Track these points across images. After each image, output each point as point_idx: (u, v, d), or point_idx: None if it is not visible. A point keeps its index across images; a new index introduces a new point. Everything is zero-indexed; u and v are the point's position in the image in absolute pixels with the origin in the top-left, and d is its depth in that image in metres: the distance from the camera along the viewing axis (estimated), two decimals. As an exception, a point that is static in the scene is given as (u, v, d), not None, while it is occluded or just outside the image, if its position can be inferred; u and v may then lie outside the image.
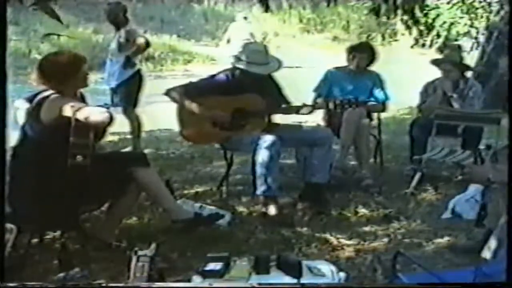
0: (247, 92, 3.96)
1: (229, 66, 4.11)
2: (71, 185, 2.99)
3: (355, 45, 4.94)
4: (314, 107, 4.09)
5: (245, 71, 3.92)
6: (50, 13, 2.83)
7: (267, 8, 4.08)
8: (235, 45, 11.75)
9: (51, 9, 2.85)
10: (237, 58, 3.98)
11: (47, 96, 3.10)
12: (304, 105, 4.05)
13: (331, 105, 3.97)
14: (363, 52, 4.73)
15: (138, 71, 5.57)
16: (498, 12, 8.35)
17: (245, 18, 13.08)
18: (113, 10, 5.61)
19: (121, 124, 5.62)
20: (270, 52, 4.02)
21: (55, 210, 3.03)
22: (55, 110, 3.02)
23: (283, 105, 4.10)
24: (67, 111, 2.97)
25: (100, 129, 3.08)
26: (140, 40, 5.55)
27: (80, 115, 2.93)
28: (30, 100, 3.15)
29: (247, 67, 3.90)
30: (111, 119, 3.01)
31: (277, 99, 4.11)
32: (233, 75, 4.01)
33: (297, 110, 4.02)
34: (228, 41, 12.66)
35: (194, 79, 4.39)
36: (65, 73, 3.12)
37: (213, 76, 4.09)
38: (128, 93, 5.49)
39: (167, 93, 4.04)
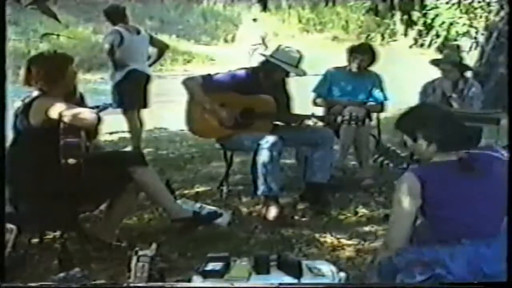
0: (262, 93, 3.97)
1: (229, 66, 4.12)
2: (68, 185, 2.99)
3: (356, 46, 4.92)
4: (322, 119, 4.10)
5: (268, 70, 3.93)
6: (47, 12, 2.83)
7: (265, 8, 4.09)
8: (245, 47, 11.72)
9: (48, 8, 2.85)
10: (271, 56, 3.98)
11: (35, 98, 3.09)
12: (312, 116, 4.06)
13: (338, 119, 3.97)
14: (364, 54, 4.73)
15: (130, 71, 5.45)
16: (498, 12, 8.35)
17: (254, 20, 13.00)
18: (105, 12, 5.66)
19: (121, 124, 5.64)
20: (302, 60, 4.03)
21: (54, 210, 3.03)
22: (42, 112, 3.01)
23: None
24: (53, 113, 2.96)
25: (91, 129, 3.08)
26: (104, 46, 5.56)
27: (67, 117, 2.93)
28: (23, 100, 3.15)
29: (282, 64, 3.90)
30: (98, 119, 3.01)
31: (285, 107, 4.14)
32: (254, 73, 4.02)
33: (304, 119, 4.01)
34: (233, 40, 12.60)
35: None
36: (51, 74, 3.11)
37: (233, 72, 4.08)
38: (121, 94, 5.45)
39: (184, 82, 4.04)
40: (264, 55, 4.07)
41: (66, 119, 2.93)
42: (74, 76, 3.26)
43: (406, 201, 2.27)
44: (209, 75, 4.07)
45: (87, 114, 3.01)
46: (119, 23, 5.48)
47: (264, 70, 3.98)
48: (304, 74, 4.01)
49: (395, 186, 2.41)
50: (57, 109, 2.96)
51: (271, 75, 3.96)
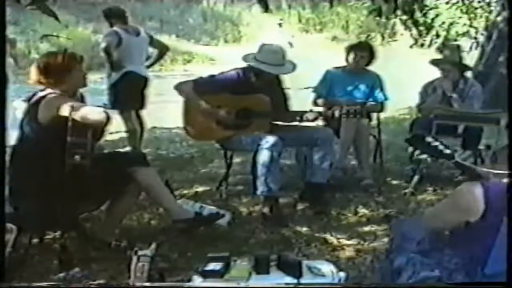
0: (255, 92, 3.96)
1: (230, 66, 4.11)
2: (70, 185, 2.99)
3: (354, 44, 4.93)
4: (320, 114, 4.09)
5: (258, 70, 3.89)
6: (47, 12, 2.84)
7: (266, 8, 4.05)
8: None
9: (48, 8, 2.86)
10: (253, 58, 3.95)
11: (44, 96, 3.10)
12: (310, 111, 4.04)
13: (336, 114, 3.94)
14: (362, 51, 4.73)
15: (126, 73, 5.42)
16: (499, 13, 8.35)
17: (280, 24, 12.89)
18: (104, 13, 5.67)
19: (121, 124, 5.63)
20: (286, 55, 3.99)
21: (55, 210, 3.03)
22: (52, 109, 3.02)
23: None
24: (64, 110, 2.97)
25: (98, 128, 3.08)
26: (100, 47, 5.58)
27: (77, 115, 2.93)
28: (28, 99, 3.16)
29: (262, 66, 3.87)
30: (108, 118, 3.01)
31: (281, 105, 4.12)
32: (244, 74, 4.00)
33: (302, 115, 4.00)
34: (235, 41, 12.55)
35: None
36: (59, 72, 3.13)
37: (224, 73, 4.06)
38: (116, 95, 5.44)
39: (177, 86, 4.03)
40: (246, 59, 3.99)
41: (76, 116, 2.94)
42: (84, 75, 3.27)
43: (460, 216, 2.11)
44: (200, 77, 4.07)
45: (97, 112, 3.02)
46: (118, 24, 5.47)
47: (255, 71, 3.94)
48: (293, 70, 3.96)
49: (455, 192, 2.21)
50: (67, 107, 2.97)
51: (262, 74, 3.93)
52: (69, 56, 3.24)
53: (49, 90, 3.13)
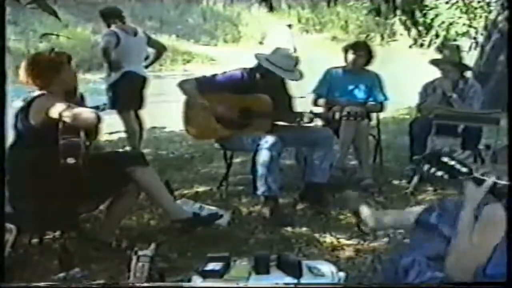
0: (258, 93, 3.96)
1: (230, 66, 4.11)
2: (66, 185, 2.98)
3: (351, 44, 4.93)
4: (320, 116, 4.08)
5: (266, 71, 3.89)
6: (47, 10, 2.83)
7: (271, 7, 4.04)
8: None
9: (48, 6, 2.85)
10: (266, 59, 3.94)
11: (36, 97, 3.09)
12: (310, 113, 4.04)
13: (337, 115, 3.95)
14: (359, 50, 4.73)
15: (125, 73, 5.40)
16: (499, 13, 8.34)
17: (289, 26, 12.87)
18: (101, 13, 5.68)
19: (121, 124, 5.63)
20: (299, 63, 4.01)
21: (54, 210, 3.03)
22: (41, 111, 3.02)
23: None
24: (54, 113, 2.96)
25: (91, 129, 3.08)
26: (100, 47, 5.59)
27: (67, 117, 2.93)
28: (25, 100, 3.15)
29: (273, 68, 3.87)
30: (98, 119, 3.00)
31: (286, 107, 4.13)
32: (249, 74, 4.00)
33: (301, 117, 4.00)
34: (234, 41, 12.59)
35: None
36: (46, 73, 3.12)
37: (227, 73, 4.06)
38: (115, 95, 5.42)
39: (180, 84, 4.02)
40: (259, 58, 4.01)
41: (66, 118, 2.93)
42: (73, 74, 3.25)
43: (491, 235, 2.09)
44: (204, 76, 4.07)
45: (87, 113, 3.01)
46: (115, 24, 5.46)
47: (261, 71, 3.95)
48: (300, 77, 3.98)
49: (485, 215, 2.13)
50: (57, 109, 2.96)
51: (268, 76, 3.94)
52: (56, 56, 3.22)
53: (40, 91, 3.11)
